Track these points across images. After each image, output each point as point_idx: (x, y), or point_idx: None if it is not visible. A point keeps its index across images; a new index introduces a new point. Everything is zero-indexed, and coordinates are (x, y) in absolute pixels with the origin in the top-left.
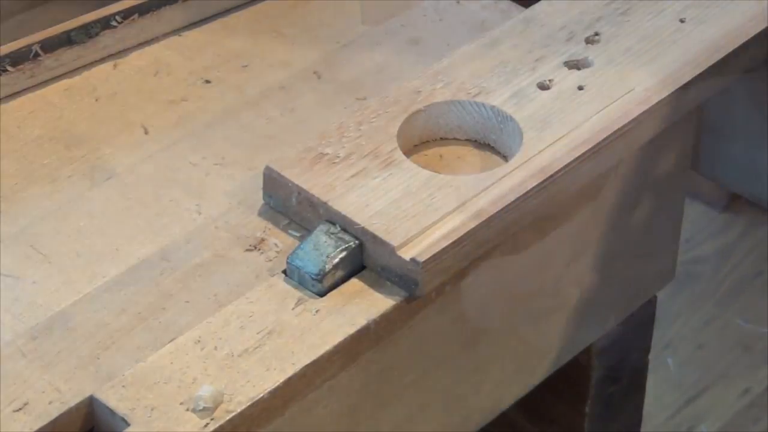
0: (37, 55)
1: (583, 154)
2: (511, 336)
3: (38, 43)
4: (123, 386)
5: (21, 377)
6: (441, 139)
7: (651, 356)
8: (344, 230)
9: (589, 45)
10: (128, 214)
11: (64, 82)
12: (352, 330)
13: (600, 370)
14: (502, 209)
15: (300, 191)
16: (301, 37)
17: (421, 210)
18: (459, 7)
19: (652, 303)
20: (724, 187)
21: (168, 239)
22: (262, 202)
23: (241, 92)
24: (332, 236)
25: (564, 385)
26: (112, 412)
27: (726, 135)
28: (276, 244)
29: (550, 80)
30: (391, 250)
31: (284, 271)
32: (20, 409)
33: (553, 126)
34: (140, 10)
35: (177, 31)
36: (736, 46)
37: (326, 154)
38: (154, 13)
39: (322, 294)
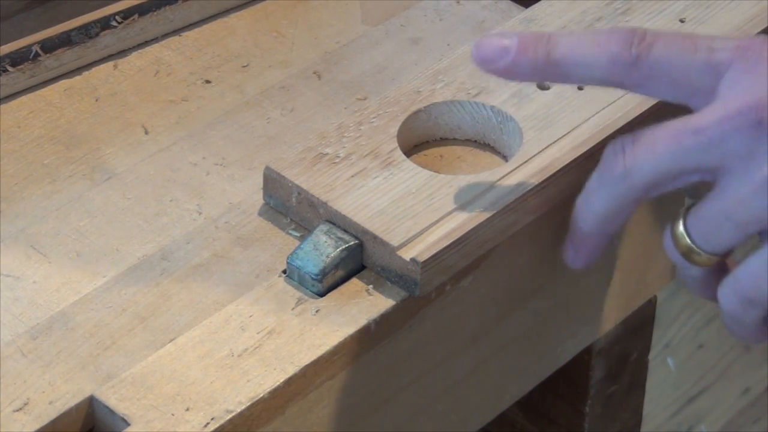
0: (37, 55)
1: (583, 154)
2: (510, 336)
3: (38, 43)
4: (123, 386)
5: (21, 377)
6: (441, 139)
7: (651, 356)
8: (344, 230)
9: None
10: (128, 214)
11: (64, 82)
12: (352, 330)
13: (600, 370)
14: (502, 209)
15: (300, 191)
16: (301, 37)
17: (421, 210)
18: (459, 7)
19: (652, 303)
20: None
21: (168, 239)
22: (262, 202)
23: (241, 92)
24: (332, 236)
25: (564, 385)
26: (111, 412)
27: None
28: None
29: None
30: (391, 250)
31: (284, 271)
32: (20, 409)
33: (553, 126)
34: (140, 10)
35: (177, 31)
36: None
37: (326, 154)
38: (154, 13)
39: (322, 294)
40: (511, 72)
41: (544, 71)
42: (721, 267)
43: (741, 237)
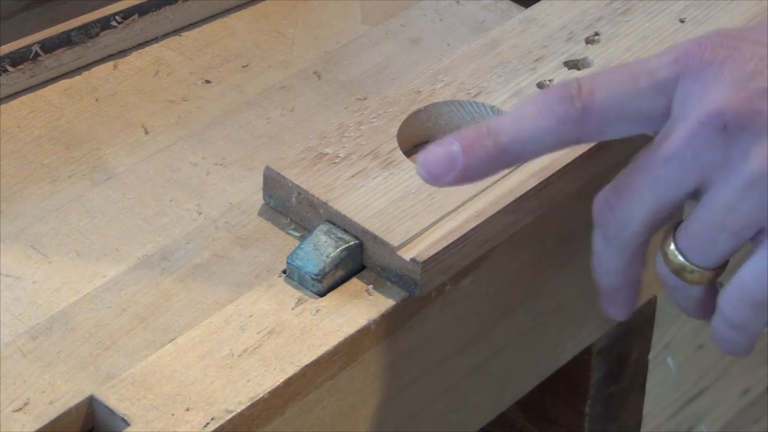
0: (37, 55)
1: (583, 154)
2: (510, 336)
3: (38, 43)
4: (123, 386)
5: (21, 377)
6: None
7: (651, 356)
8: (344, 230)
9: (589, 45)
10: (128, 214)
11: (64, 82)
12: (352, 330)
13: (600, 370)
14: (502, 209)
15: (300, 191)
16: (301, 37)
17: (421, 210)
18: (459, 7)
19: (652, 303)
20: None
21: (168, 239)
22: (262, 202)
23: (241, 92)
24: (332, 236)
25: (564, 385)
26: (112, 412)
27: None
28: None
29: (550, 80)
30: (391, 250)
31: (284, 271)
32: (20, 409)
33: None
34: (140, 10)
35: (177, 31)
36: None
37: (326, 154)
38: (154, 13)
39: (322, 294)
40: (467, 175)
41: (498, 161)
42: (714, 285)
43: (736, 245)
